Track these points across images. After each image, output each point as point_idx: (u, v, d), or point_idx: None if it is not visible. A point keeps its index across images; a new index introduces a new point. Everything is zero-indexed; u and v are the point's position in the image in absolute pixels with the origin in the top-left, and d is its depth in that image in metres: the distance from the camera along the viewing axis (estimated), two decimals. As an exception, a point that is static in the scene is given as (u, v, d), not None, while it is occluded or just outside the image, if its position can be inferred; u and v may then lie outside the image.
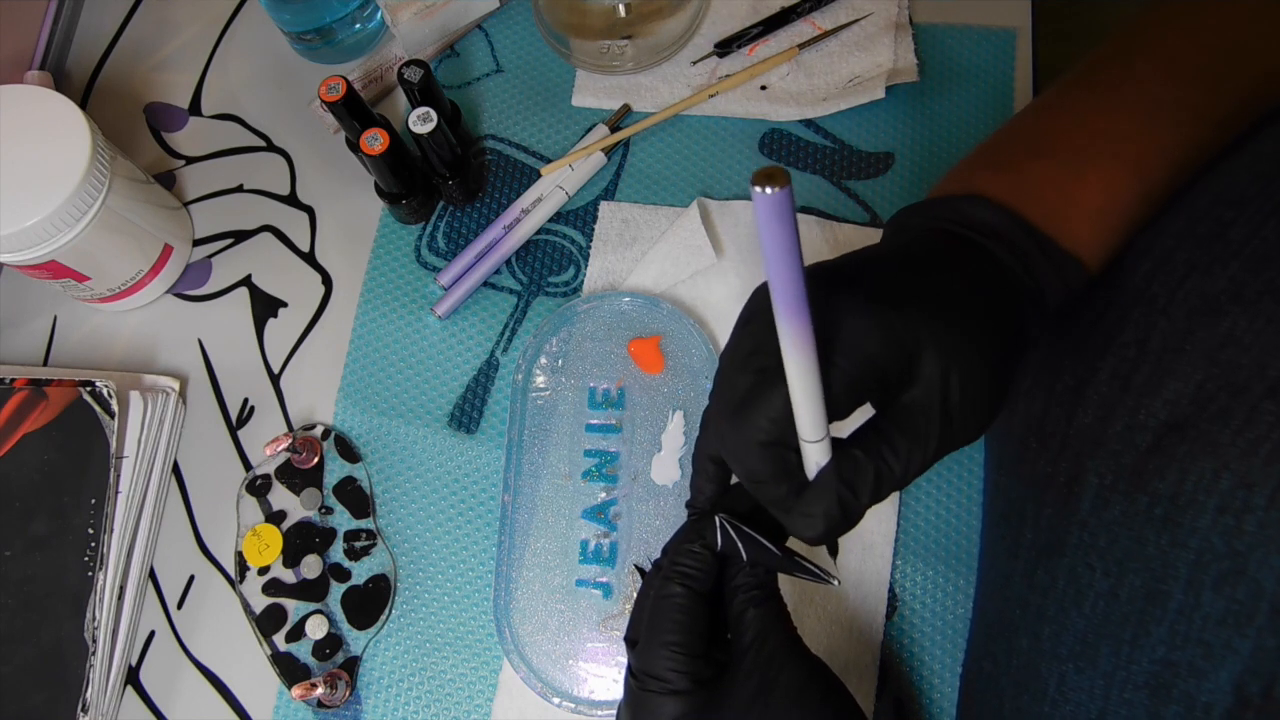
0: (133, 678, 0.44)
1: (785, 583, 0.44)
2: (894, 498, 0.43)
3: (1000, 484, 0.36)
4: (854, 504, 0.28)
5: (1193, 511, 0.26)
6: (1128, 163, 0.32)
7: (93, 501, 0.42)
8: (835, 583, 0.33)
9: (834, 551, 0.37)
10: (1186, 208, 0.31)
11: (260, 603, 0.44)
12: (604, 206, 0.50)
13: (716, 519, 0.33)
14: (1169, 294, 0.29)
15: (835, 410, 0.27)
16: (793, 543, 0.34)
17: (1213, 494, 0.26)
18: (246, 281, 0.51)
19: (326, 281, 0.51)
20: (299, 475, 0.46)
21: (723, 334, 0.47)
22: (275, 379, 0.49)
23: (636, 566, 0.43)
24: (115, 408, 0.43)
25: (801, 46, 0.52)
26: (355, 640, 0.43)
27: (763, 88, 0.52)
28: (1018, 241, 0.31)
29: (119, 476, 0.43)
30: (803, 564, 0.33)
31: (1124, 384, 0.30)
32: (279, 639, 0.43)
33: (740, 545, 0.32)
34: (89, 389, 0.44)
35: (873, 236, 0.48)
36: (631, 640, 0.33)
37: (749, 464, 0.28)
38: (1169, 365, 0.28)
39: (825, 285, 0.28)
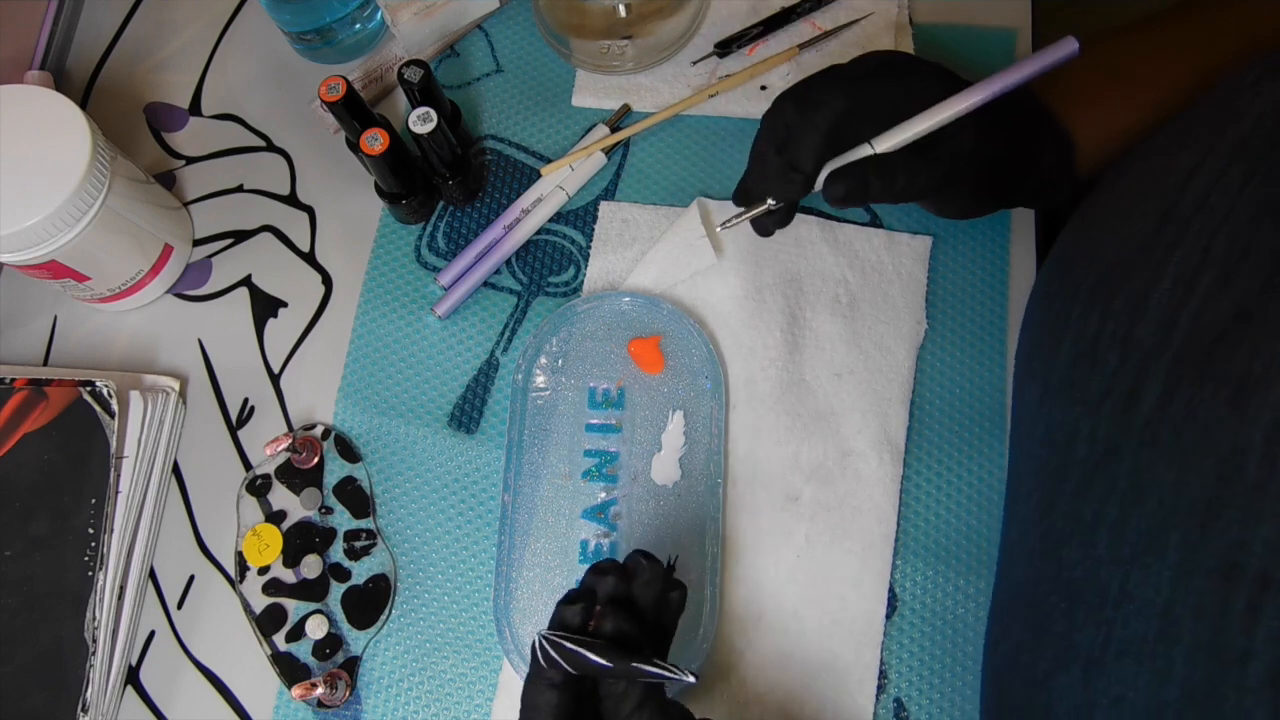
0: (133, 678, 0.44)
1: (783, 579, 0.44)
2: (894, 497, 0.44)
3: (1042, 416, 0.36)
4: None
5: (1263, 387, 0.27)
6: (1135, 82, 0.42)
7: (93, 501, 0.42)
8: (692, 680, 0.31)
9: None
10: (1233, 124, 0.32)
11: (260, 603, 0.44)
12: (604, 206, 0.50)
13: (535, 638, 0.32)
14: (1229, 203, 0.30)
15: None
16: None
17: None
18: (246, 281, 0.51)
19: (326, 281, 0.51)
20: (299, 475, 0.46)
21: (723, 334, 0.47)
22: (275, 379, 0.49)
23: (636, 566, 0.43)
24: (115, 408, 0.44)
25: (801, 46, 0.52)
26: (355, 640, 0.43)
27: (763, 88, 0.52)
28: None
29: (119, 476, 0.43)
30: (643, 669, 0.30)
31: (1188, 289, 0.30)
32: (279, 639, 0.43)
33: (561, 661, 0.31)
34: (89, 389, 0.44)
35: (873, 237, 0.48)
36: None
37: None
38: (1234, 267, 0.29)
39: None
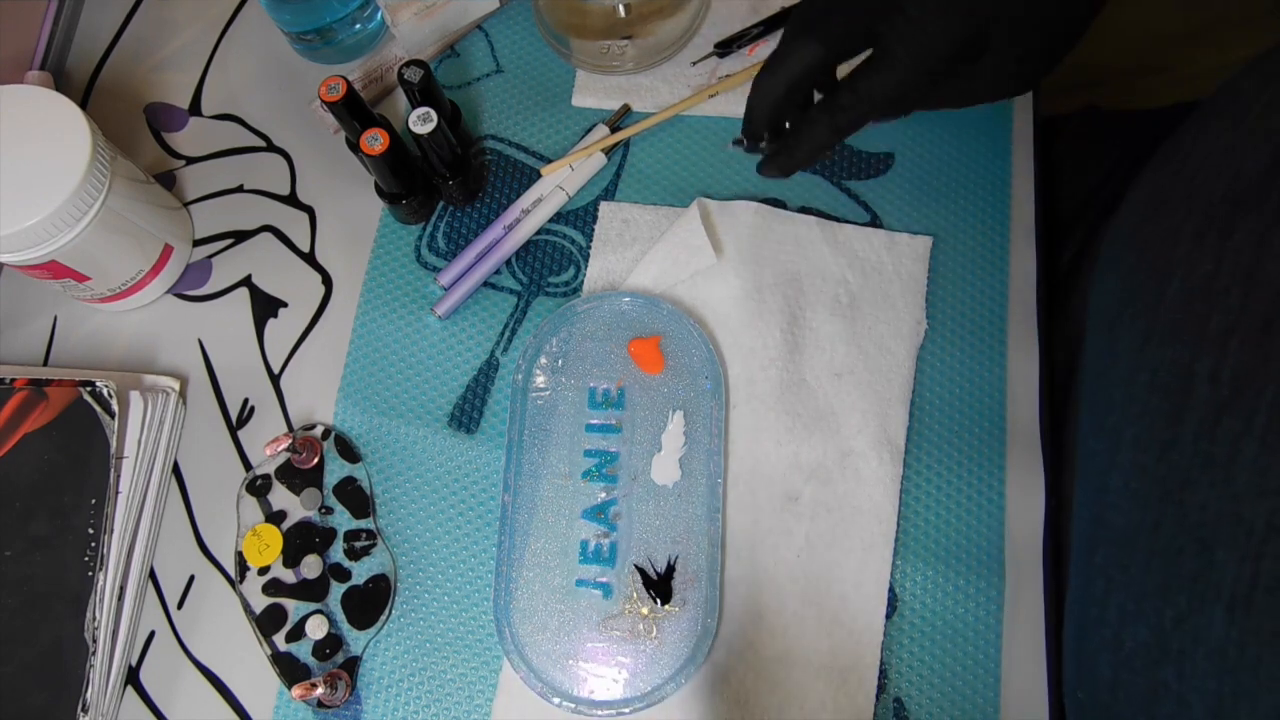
0: (133, 678, 0.44)
1: (783, 579, 0.44)
2: (894, 497, 0.44)
3: (1145, 362, 0.35)
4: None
5: None
6: None
7: (93, 502, 0.42)
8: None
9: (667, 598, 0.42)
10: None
11: (260, 603, 0.44)
12: (604, 207, 0.50)
13: None
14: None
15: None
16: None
17: None
18: (246, 281, 0.51)
19: (326, 281, 0.51)
20: (299, 475, 0.46)
21: (723, 334, 0.47)
22: (275, 379, 0.49)
23: (637, 566, 0.43)
24: (115, 408, 0.44)
25: (801, 46, 0.52)
26: (355, 640, 0.43)
27: (763, 88, 0.52)
28: None
29: (119, 477, 0.43)
30: None
31: None
32: (279, 639, 0.43)
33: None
34: (89, 389, 0.44)
35: (872, 237, 0.48)
36: None
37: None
38: None
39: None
